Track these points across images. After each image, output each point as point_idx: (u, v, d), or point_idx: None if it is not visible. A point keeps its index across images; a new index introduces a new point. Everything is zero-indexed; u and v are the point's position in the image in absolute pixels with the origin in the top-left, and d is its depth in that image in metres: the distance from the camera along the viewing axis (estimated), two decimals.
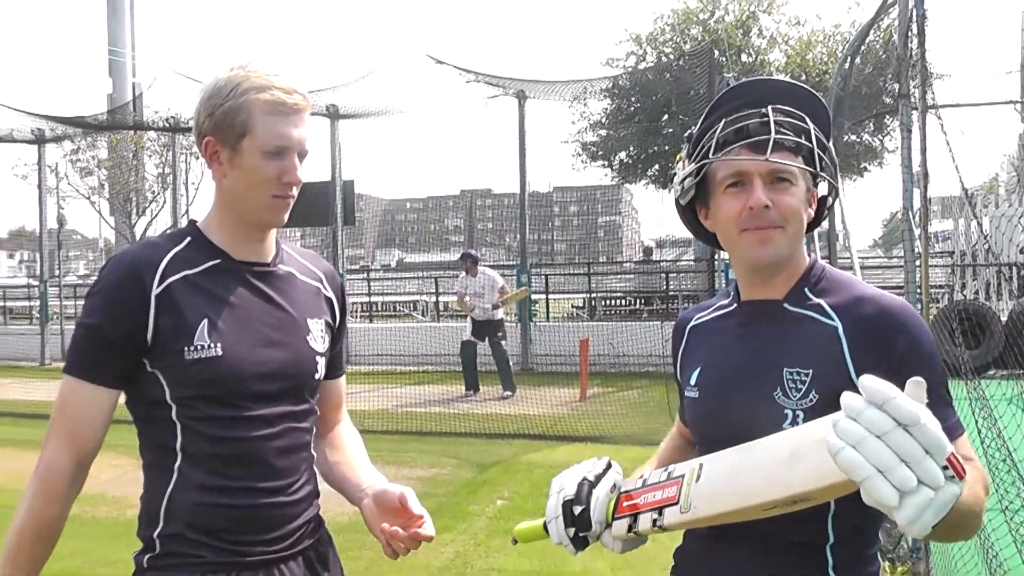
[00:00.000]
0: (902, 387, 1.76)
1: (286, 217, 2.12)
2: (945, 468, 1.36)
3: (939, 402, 1.76)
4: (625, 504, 1.95)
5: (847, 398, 1.42)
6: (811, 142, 1.88)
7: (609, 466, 2.07)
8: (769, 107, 1.91)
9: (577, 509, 1.96)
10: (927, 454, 1.36)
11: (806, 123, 1.90)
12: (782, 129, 1.88)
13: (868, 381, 1.39)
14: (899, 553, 5.70)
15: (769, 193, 1.87)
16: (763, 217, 1.87)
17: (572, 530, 1.97)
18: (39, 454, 2.02)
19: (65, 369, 2.03)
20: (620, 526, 1.94)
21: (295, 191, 2.09)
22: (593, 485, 1.99)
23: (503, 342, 14.64)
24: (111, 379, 2.01)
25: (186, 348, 1.98)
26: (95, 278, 2.11)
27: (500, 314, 14.73)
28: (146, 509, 2.08)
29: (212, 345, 2.00)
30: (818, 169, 1.89)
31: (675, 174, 2.08)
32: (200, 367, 1.99)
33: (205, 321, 2.01)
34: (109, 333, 1.97)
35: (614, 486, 2.02)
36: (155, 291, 1.99)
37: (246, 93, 2.02)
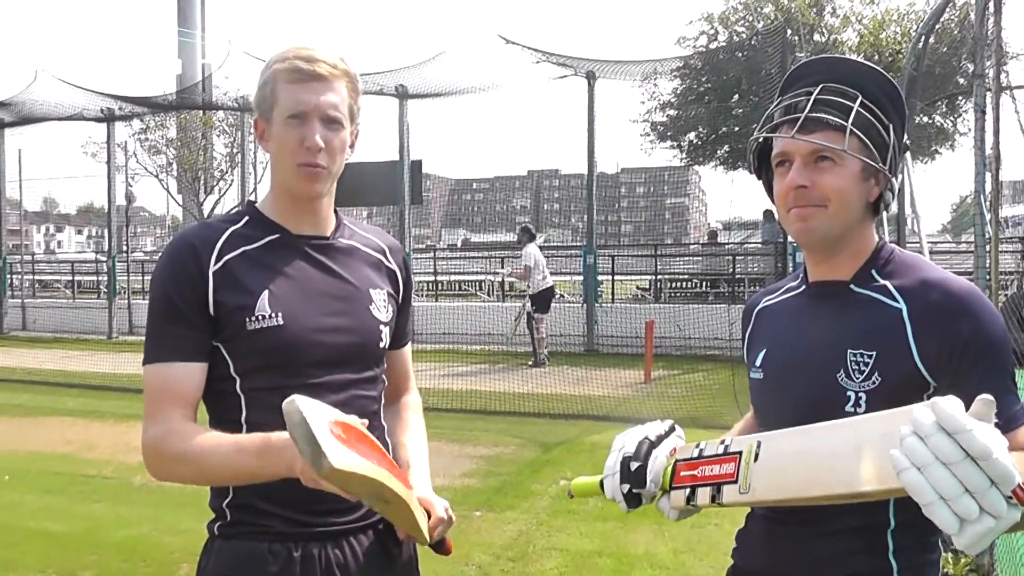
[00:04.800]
0: (964, 372, 1.74)
1: (319, 188, 2.09)
2: (1009, 498, 1.35)
3: (1003, 389, 1.74)
4: (683, 474, 1.95)
5: (918, 413, 1.40)
6: (846, 120, 1.84)
7: (672, 429, 2.09)
8: (820, 85, 1.90)
9: (634, 465, 1.98)
10: (992, 484, 1.35)
11: (854, 102, 1.86)
12: (823, 108, 1.86)
13: (942, 404, 1.38)
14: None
15: (809, 172, 1.86)
16: (802, 196, 1.88)
17: (627, 486, 1.98)
18: (142, 439, 1.98)
19: (144, 362, 2.02)
20: (679, 496, 1.94)
21: (324, 160, 2.06)
22: (654, 445, 2.01)
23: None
24: (193, 353, 2.00)
25: (248, 319, 1.99)
26: (157, 260, 2.11)
27: (550, 282, 15.83)
28: None
29: (274, 315, 2.01)
30: (873, 149, 1.85)
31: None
32: (262, 336, 2.00)
33: (266, 292, 2.02)
34: (181, 307, 1.98)
35: (675, 449, 2.03)
36: (213, 268, 2.01)
37: (272, 66, 2.05)
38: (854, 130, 1.83)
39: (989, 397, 1.41)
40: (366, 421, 1.88)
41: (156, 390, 1.99)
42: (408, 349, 2.49)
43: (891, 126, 1.89)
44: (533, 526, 6.67)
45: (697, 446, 1.97)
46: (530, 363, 15.62)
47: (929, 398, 1.75)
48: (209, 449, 1.91)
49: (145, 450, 1.98)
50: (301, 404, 1.67)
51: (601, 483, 2.06)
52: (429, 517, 2.06)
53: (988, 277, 5.44)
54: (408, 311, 2.41)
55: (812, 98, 1.87)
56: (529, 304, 15.96)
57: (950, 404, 1.37)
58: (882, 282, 1.90)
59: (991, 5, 5.50)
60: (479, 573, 5.73)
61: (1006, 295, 12.54)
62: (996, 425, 1.42)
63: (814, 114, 1.86)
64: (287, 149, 2.04)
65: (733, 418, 2.56)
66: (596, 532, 6.38)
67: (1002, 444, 1.36)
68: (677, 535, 5.94)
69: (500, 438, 9.88)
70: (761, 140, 1.99)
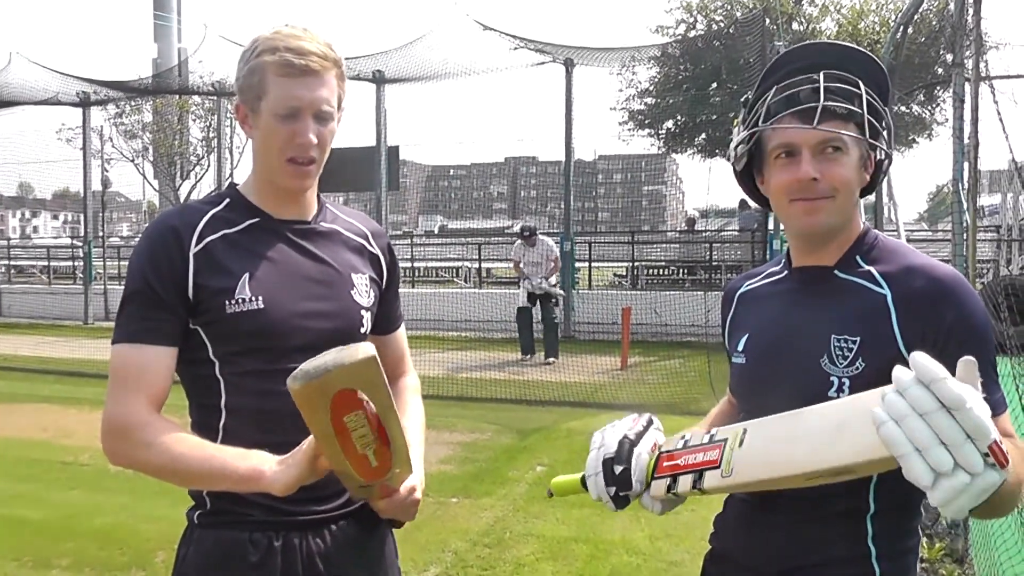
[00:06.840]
0: (948, 358, 1.75)
1: (308, 183, 2.09)
2: (986, 455, 1.35)
3: (985, 377, 1.74)
4: (665, 464, 1.94)
5: (898, 371, 1.41)
6: (862, 108, 1.82)
7: (650, 422, 2.08)
8: (821, 73, 1.86)
9: (618, 468, 1.96)
10: (968, 438, 1.34)
11: (859, 88, 1.85)
12: (832, 96, 1.83)
13: (919, 358, 1.38)
14: (937, 529, 5.66)
15: (818, 164, 1.84)
16: (811, 189, 1.85)
17: (613, 489, 1.96)
18: (104, 417, 1.96)
19: (114, 341, 1.99)
20: (659, 486, 1.94)
21: (315, 154, 2.04)
22: (634, 444, 2.00)
23: (556, 309, 14.92)
24: (165, 337, 1.97)
25: (227, 302, 1.97)
26: (137, 242, 2.08)
27: (554, 282, 14.98)
28: None
29: (254, 298, 1.98)
30: (867, 136, 1.84)
31: (731, 139, 2.06)
32: (242, 320, 1.97)
33: (246, 275, 2.00)
34: (158, 290, 1.95)
35: (655, 444, 2.02)
36: (193, 250, 1.98)
37: (260, 55, 1.99)
38: (870, 118, 1.82)
39: (971, 359, 1.41)
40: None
41: (125, 370, 1.96)
42: (401, 332, 2.49)
43: (886, 110, 1.89)
44: (510, 512, 6.68)
45: (682, 437, 1.97)
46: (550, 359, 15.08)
47: None
48: (191, 456, 1.88)
49: (109, 429, 1.94)
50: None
51: (583, 481, 2.05)
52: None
53: (966, 265, 5.48)
54: (396, 295, 2.40)
55: (822, 87, 1.84)
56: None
57: (925, 357, 1.38)
58: (866, 268, 1.90)
59: None
60: (455, 559, 5.73)
61: (982, 283, 12.63)
62: None
63: (825, 103, 1.82)
64: (276, 143, 2.01)
65: (709, 404, 2.56)
66: (572, 518, 6.38)
67: (978, 399, 1.36)
68: (653, 521, 5.93)
69: (477, 424, 9.88)
70: (756, 131, 1.95)
